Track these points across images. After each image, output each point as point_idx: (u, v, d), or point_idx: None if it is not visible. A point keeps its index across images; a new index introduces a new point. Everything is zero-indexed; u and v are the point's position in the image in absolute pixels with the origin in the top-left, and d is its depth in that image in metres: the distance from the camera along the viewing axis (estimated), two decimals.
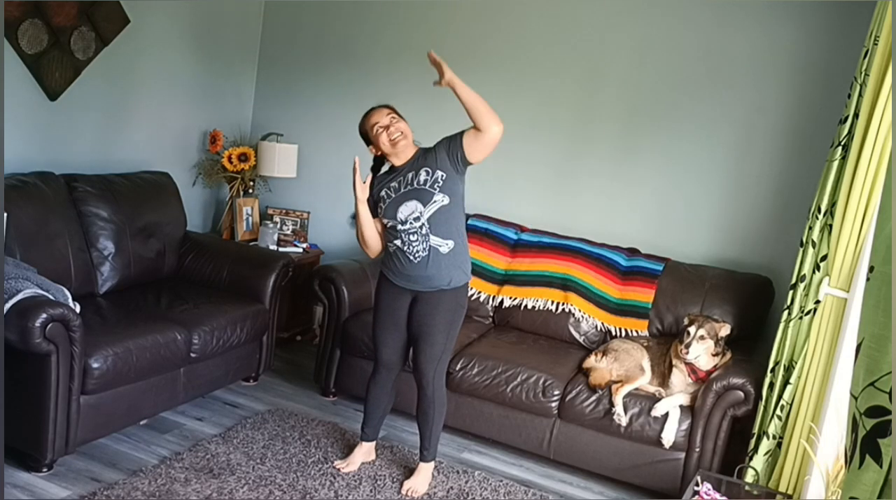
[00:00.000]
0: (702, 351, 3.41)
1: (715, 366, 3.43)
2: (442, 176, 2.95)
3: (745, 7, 3.87)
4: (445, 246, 2.98)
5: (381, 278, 3.15)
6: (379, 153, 3.07)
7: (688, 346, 3.38)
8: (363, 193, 3.05)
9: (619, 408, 3.34)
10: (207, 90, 4.69)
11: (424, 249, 2.97)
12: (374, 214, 3.09)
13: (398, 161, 3.04)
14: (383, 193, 3.05)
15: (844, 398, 2.87)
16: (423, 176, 2.97)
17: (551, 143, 4.33)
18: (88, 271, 3.58)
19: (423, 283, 3.00)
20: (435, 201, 2.94)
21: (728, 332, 3.50)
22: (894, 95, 2.65)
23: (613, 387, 3.41)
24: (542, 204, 4.36)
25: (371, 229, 3.08)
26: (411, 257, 2.98)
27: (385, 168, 3.14)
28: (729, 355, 3.51)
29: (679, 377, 3.45)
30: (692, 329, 3.41)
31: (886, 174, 2.71)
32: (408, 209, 2.96)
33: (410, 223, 2.96)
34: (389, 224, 3.02)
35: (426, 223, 2.95)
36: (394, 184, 3.03)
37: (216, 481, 3.04)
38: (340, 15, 4.76)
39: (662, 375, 3.52)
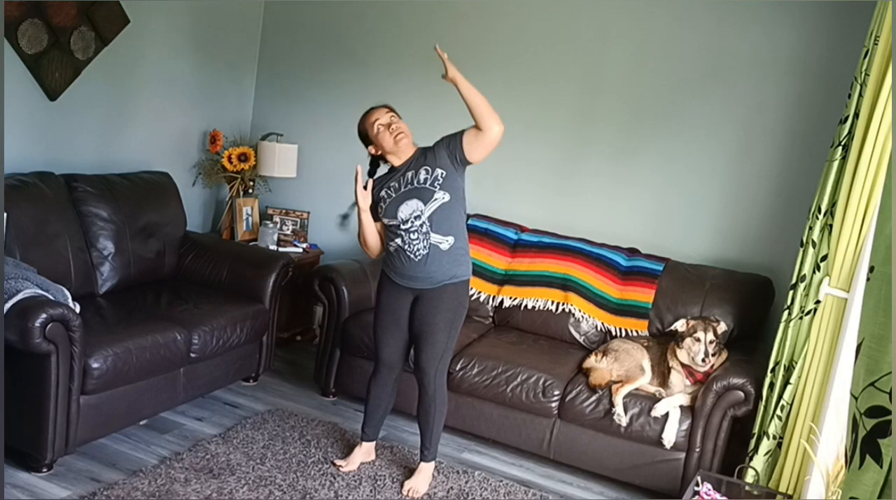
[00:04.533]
0: (681, 356, 3.47)
1: (712, 366, 3.43)
2: (442, 174, 2.96)
3: (744, 7, 3.87)
4: (446, 243, 2.98)
5: (382, 278, 3.15)
6: (378, 153, 3.08)
7: (706, 355, 3.38)
8: (365, 201, 3.07)
9: (619, 408, 3.34)
10: (207, 90, 4.69)
11: (425, 246, 2.97)
12: (375, 215, 3.09)
13: (398, 161, 3.05)
14: (383, 193, 3.05)
15: (844, 398, 2.87)
16: (423, 175, 2.97)
17: (552, 143, 4.33)
18: (88, 271, 3.58)
19: (426, 281, 3.00)
20: (436, 199, 2.95)
21: (724, 328, 3.52)
22: (894, 95, 2.65)
23: (613, 387, 3.41)
24: (542, 204, 4.36)
25: (373, 235, 3.11)
26: (412, 256, 2.98)
27: (384, 169, 3.14)
28: (725, 354, 3.52)
29: (678, 378, 3.46)
30: (701, 335, 3.41)
31: (886, 174, 2.71)
32: (408, 208, 2.97)
33: (411, 222, 2.96)
34: (390, 223, 3.02)
35: (427, 221, 2.96)
36: (394, 184, 3.04)
37: (216, 481, 3.04)
38: (340, 15, 4.76)
39: (662, 375, 3.52)
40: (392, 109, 3.08)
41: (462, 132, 2.94)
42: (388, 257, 3.10)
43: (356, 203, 3.08)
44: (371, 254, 3.17)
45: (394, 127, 3.00)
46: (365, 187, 3.07)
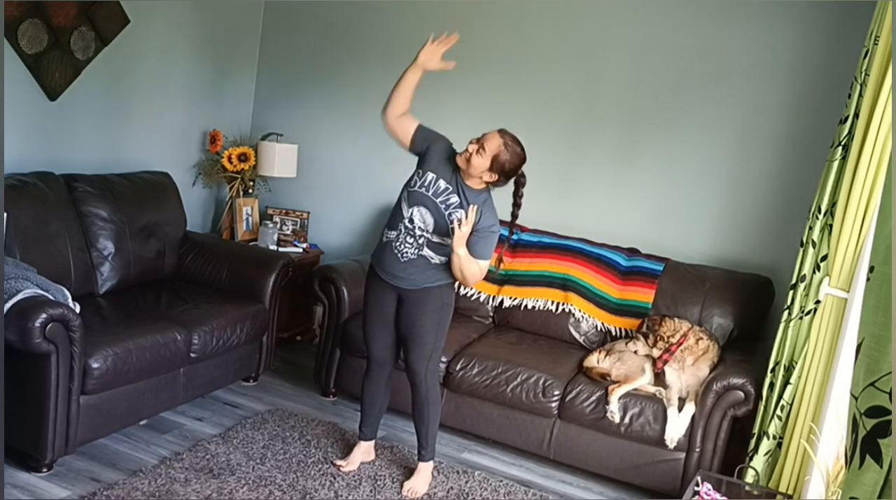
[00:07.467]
0: (639, 347, 3.58)
1: (662, 360, 3.48)
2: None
3: (744, 7, 3.87)
4: (437, 259, 2.98)
5: (369, 272, 3.14)
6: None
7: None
8: (431, 61, 2.85)
9: (613, 406, 3.35)
10: (207, 90, 4.69)
11: (414, 253, 2.96)
12: (420, 152, 2.97)
13: (467, 177, 2.92)
14: (432, 168, 2.94)
15: (844, 398, 2.87)
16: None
17: (552, 143, 4.32)
18: (88, 271, 3.58)
19: (407, 281, 2.99)
20: (444, 239, 2.93)
21: (671, 326, 3.56)
22: (894, 95, 2.65)
23: (610, 387, 3.41)
24: (542, 204, 4.35)
25: (406, 95, 2.92)
26: (398, 255, 2.97)
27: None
28: (710, 344, 3.52)
29: (673, 375, 3.46)
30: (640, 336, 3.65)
31: (886, 174, 2.71)
32: (421, 216, 2.94)
33: (413, 226, 2.95)
34: (401, 201, 2.97)
35: (426, 239, 2.95)
36: (443, 182, 2.93)
37: (216, 481, 3.04)
38: (340, 15, 4.76)
39: (658, 375, 3.52)
40: (503, 135, 2.87)
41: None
42: (377, 247, 3.09)
43: (418, 55, 2.83)
44: (389, 114, 2.93)
45: (465, 156, 2.86)
46: (443, 59, 2.86)
